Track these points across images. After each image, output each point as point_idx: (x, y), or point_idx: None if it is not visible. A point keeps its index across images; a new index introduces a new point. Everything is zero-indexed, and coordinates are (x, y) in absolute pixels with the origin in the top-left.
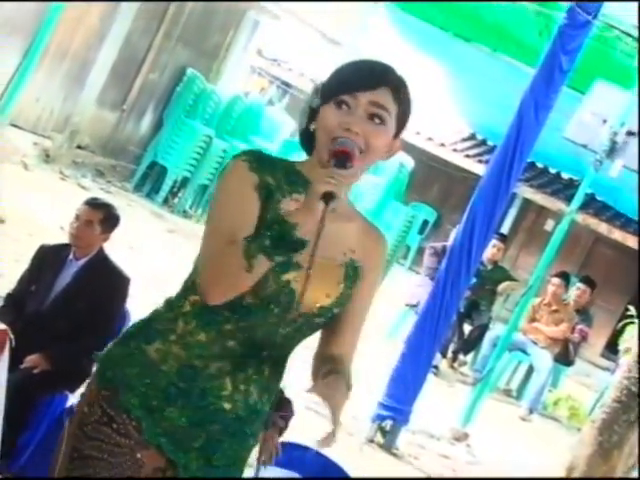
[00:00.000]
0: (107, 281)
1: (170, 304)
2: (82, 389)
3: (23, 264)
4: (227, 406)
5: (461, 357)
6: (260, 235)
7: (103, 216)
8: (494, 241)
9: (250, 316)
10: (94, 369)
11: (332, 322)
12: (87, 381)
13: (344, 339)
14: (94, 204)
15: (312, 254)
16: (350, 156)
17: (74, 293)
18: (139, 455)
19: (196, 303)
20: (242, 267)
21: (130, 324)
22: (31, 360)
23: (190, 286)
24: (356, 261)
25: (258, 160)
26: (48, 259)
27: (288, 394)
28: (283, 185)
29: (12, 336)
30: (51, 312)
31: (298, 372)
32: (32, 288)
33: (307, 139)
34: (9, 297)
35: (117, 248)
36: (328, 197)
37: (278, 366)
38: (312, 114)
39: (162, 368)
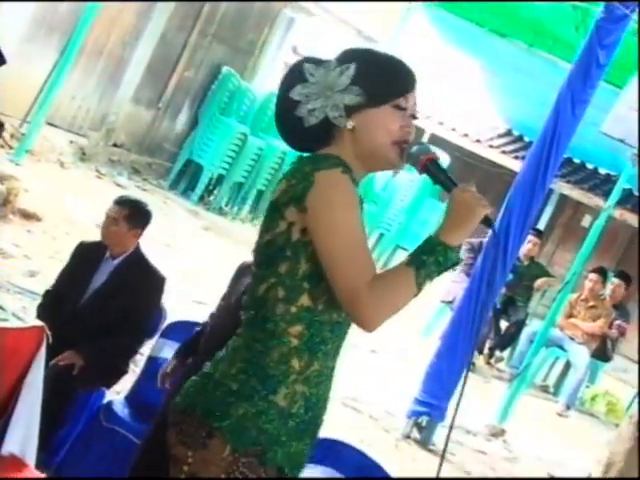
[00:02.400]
0: (143, 280)
1: (266, 346)
2: (119, 386)
3: (59, 262)
4: (324, 417)
5: (498, 353)
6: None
7: (128, 212)
8: (530, 236)
9: (341, 329)
10: (216, 439)
11: None
12: (205, 442)
13: None
14: (119, 201)
15: None
16: (436, 159)
17: (110, 292)
18: None
19: (300, 335)
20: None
21: (218, 374)
22: (64, 357)
23: (288, 319)
24: None
25: (346, 167)
26: (86, 256)
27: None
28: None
29: (49, 333)
30: (87, 310)
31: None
32: (70, 285)
33: (316, 132)
34: (47, 294)
35: (153, 246)
36: (488, 220)
37: None
38: (347, 111)
39: (293, 411)
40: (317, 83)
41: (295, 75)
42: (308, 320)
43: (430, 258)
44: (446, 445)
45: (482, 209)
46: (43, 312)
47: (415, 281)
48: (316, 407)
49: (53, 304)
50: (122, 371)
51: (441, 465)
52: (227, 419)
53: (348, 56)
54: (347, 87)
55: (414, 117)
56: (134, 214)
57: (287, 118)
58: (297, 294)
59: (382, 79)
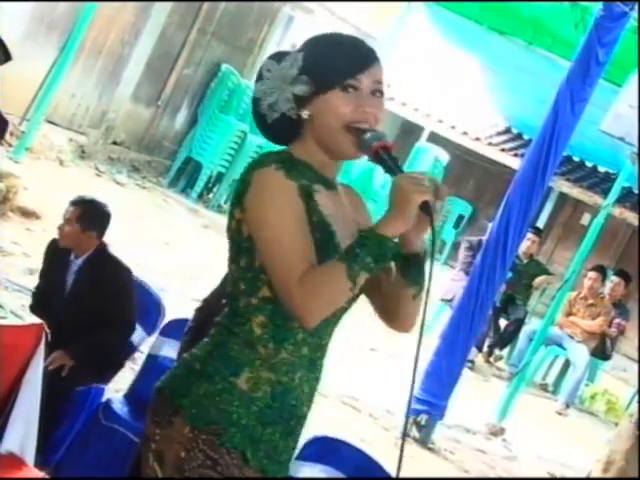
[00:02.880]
0: (107, 276)
1: (232, 331)
2: (118, 384)
3: None
4: (305, 409)
5: (497, 351)
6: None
7: (80, 212)
8: (529, 234)
9: None
10: (179, 416)
11: None
12: (170, 420)
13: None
14: (74, 201)
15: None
16: (392, 147)
17: (79, 292)
18: None
19: (264, 325)
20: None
21: (189, 355)
22: (53, 359)
23: (251, 311)
24: (358, 229)
25: (284, 163)
26: (58, 256)
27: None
28: (309, 181)
29: (48, 331)
30: (65, 310)
31: (334, 369)
32: (48, 285)
33: (282, 126)
34: (34, 295)
35: (152, 244)
36: (428, 208)
37: (325, 356)
38: (299, 101)
39: (256, 395)
40: (272, 78)
41: (258, 73)
42: (270, 311)
43: (363, 250)
44: (405, 428)
45: (418, 195)
46: (35, 312)
47: (347, 275)
48: (287, 396)
49: (40, 304)
50: (116, 365)
51: (402, 447)
52: (188, 397)
53: (302, 45)
54: (296, 77)
55: (379, 94)
56: (87, 215)
57: (255, 116)
58: (257, 286)
59: (327, 63)
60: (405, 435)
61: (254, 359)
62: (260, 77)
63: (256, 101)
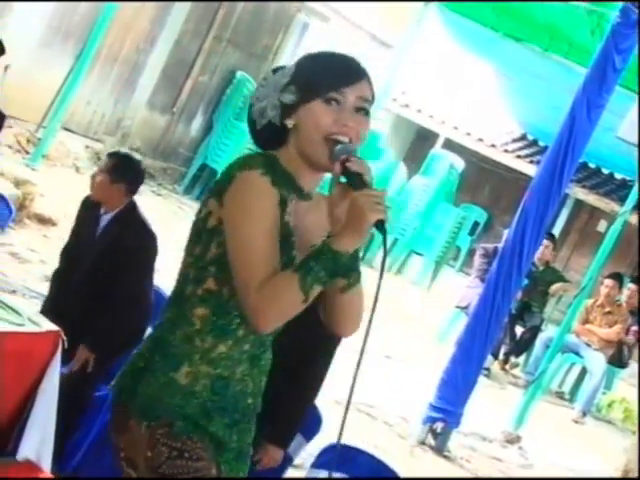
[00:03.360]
0: (131, 236)
1: (174, 324)
2: None
3: None
4: (250, 401)
5: (513, 359)
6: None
7: (113, 164)
8: (544, 241)
9: None
10: (133, 420)
11: None
12: (127, 424)
13: None
14: (110, 153)
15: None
16: (354, 161)
17: (101, 248)
18: (214, 470)
19: (204, 318)
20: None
21: (133, 355)
22: (77, 359)
23: (194, 301)
24: None
25: (270, 169)
26: (89, 211)
27: (336, 395)
28: (287, 191)
29: (64, 337)
30: (91, 265)
31: (348, 376)
32: (76, 241)
33: (270, 133)
34: (62, 253)
35: (168, 249)
36: (382, 227)
37: (272, 348)
38: (286, 110)
39: (195, 389)
40: (266, 86)
41: (258, 82)
42: (213, 304)
43: (317, 264)
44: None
45: (374, 214)
46: (57, 276)
47: (299, 286)
48: (228, 390)
49: (68, 260)
50: (140, 331)
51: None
52: (136, 397)
53: (299, 59)
54: (285, 86)
55: (363, 112)
56: (118, 166)
57: (249, 122)
58: (204, 277)
59: (314, 74)
60: (349, 402)
61: (192, 353)
62: (258, 86)
63: (250, 107)
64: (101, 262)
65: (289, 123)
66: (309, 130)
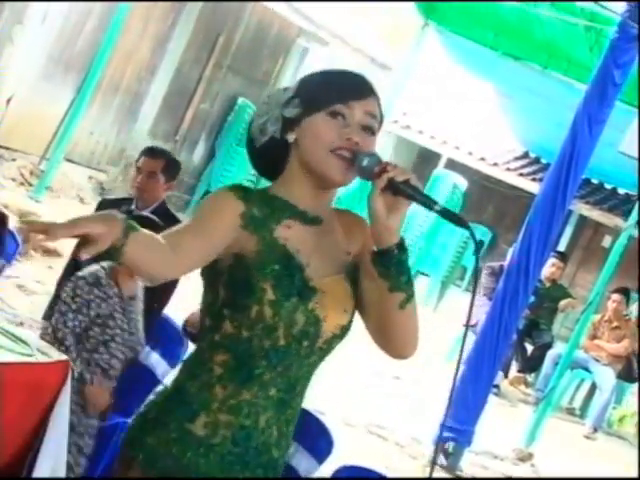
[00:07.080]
0: (172, 224)
1: (193, 373)
2: None
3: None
4: (276, 453)
5: (527, 377)
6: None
7: (164, 164)
8: (553, 260)
9: (285, 358)
10: (133, 466)
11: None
12: (126, 475)
13: None
14: (153, 153)
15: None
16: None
17: None
18: None
19: (225, 363)
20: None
21: (146, 404)
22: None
23: (213, 348)
24: (352, 260)
25: (244, 191)
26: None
27: (346, 417)
28: (272, 214)
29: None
30: None
31: (359, 398)
32: None
33: (269, 151)
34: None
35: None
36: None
37: (303, 395)
38: (287, 124)
39: (214, 442)
40: (269, 102)
41: (260, 102)
42: (233, 348)
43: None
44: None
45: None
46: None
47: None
48: (250, 442)
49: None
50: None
51: None
52: (143, 449)
53: (305, 75)
54: (288, 100)
55: (369, 132)
56: (170, 165)
57: (247, 143)
58: (219, 321)
59: (320, 86)
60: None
61: (211, 402)
62: (260, 104)
63: (249, 125)
64: None
65: (290, 137)
66: (313, 143)
